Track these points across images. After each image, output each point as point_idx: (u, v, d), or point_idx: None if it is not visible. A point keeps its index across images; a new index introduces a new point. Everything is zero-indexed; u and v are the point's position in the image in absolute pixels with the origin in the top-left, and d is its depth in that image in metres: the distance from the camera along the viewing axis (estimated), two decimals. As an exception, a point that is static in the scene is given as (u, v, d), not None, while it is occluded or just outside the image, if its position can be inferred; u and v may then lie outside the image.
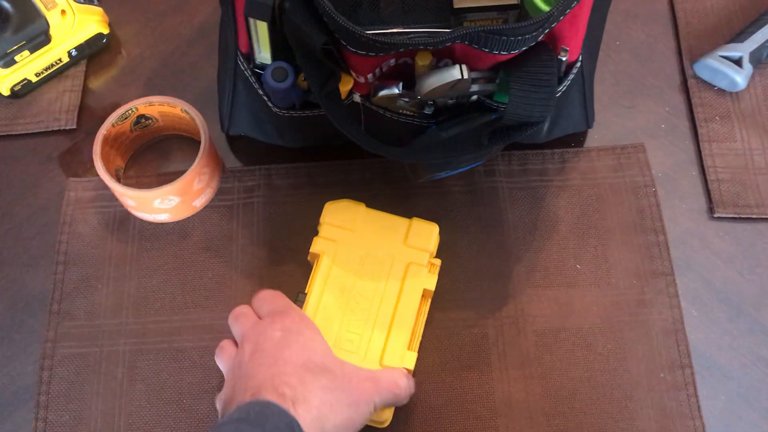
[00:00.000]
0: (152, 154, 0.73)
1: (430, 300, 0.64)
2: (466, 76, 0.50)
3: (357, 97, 0.59)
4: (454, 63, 0.53)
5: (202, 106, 0.69)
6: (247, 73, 0.59)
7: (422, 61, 0.53)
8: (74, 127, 0.74)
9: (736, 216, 0.68)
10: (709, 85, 0.73)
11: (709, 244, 0.68)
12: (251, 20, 0.52)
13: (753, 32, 0.72)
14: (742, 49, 0.72)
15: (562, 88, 0.60)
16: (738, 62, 0.71)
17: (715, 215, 0.68)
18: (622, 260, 0.67)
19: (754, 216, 0.68)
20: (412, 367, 0.59)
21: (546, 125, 0.65)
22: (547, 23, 0.48)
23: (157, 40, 0.78)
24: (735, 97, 0.73)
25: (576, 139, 0.72)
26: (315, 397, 0.50)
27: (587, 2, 0.51)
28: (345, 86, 0.56)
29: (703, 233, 0.68)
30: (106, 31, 0.76)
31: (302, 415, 0.48)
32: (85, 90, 0.76)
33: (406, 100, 0.55)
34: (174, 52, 0.77)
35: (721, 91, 0.73)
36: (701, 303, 0.65)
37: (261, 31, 0.52)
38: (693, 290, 0.66)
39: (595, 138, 0.72)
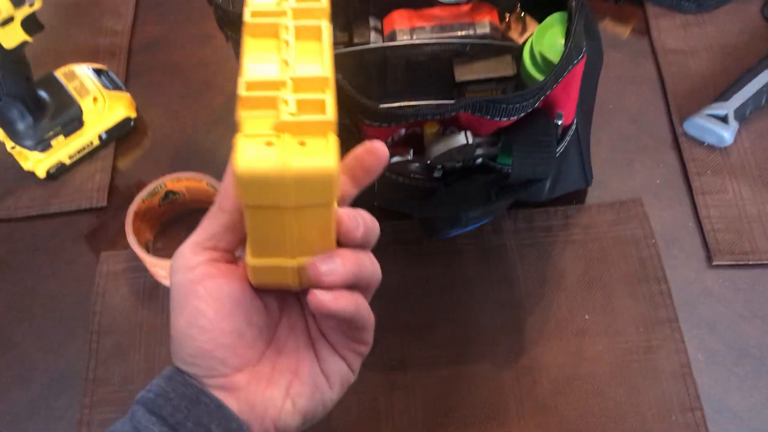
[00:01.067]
0: (179, 227, 0.77)
1: None
2: (470, 141, 0.55)
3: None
4: (459, 130, 0.58)
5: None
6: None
7: (430, 129, 0.58)
8: (105, 204, 0.78)
9: (733, 263, 0.72)
10: (699, 142, 0.78)
11: (710, 290, 0.71)
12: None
13: (736, 91, 0.77)
14: (727, 107, 0.77)
15: (560, 149, 0.64)
16: (724, 119, 0.76)
17: (714, 263, 0.72)
18: (628, 309, 0.70)
19: (750, 262, 0.72)
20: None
21: (548, 184, 0.69)
22: (541, 92, 0.53)
23: (180, 122, 0.84)
24: (724, 152, 0.77)
25: (577, 197, 0.76)
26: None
27: (578, 72, 0.57)
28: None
29: (703, 280, 0.72)
30: (133, 115, 0.81)
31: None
32: (114, 170, 0.81)
33: (417, 164, 0.60)
34: (196, 132, 0.83)
35: (711, 147, 0.78)
36: (707, 347, 0.68)
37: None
38: (698, 335, 0.69)
39: (595, 195, 0.77)
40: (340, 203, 0.44)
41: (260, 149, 0.36)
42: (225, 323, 0.41)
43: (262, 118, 0.37)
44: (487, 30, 0.73)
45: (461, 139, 0.55)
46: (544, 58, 0.69)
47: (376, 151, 0.43)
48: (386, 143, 0.60)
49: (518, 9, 0.74)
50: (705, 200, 0.75)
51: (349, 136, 0.58)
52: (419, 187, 0.65)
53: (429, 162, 0.57)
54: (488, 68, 0.73)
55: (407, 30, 0.73)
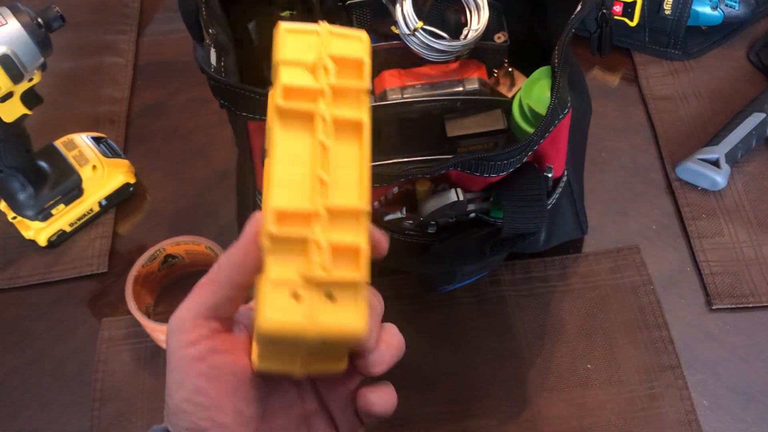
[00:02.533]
0: (180, 290, 0.78)
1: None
2: (461, 198, 0.56)
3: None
4: (450, 186, 0.58)
5: (227, 240, 0.74)
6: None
7: (422, 187, 0.59)
8: (105, 270, 0.79)
9: (733, 306, 0.72)
10: (693, 187, 0.79)
11: (712, 335, 0.71)
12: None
13: (726, 135, 0.78)
14: (718, 151, 0.78)
15: (551, 201, 0.65)
16: (716, 163, 0.77)
17: (714, 307, 0.72)
18: (630, 357, 0.70)
19: (750, 305, 0.72)
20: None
21: (543, 235, 0.70)
22: (528, 147, 0.54)
23: (178, 186, 0.85)
24: (718, 195, 0.78)
25: (574, 246, 0.77)
26: None
27: (564, 125, 0.58)
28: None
29: (704, 325, 0.72)
30: (132, 180, 0.83)
31: None
32: (114, 235, 0.82)
33: (411, 222, 0.60)
34: (195, 195, 0.84)
35: (705, 191, 0.78)
36: (711, 393, 0.68)
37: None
38: (701, 381, 0.69)
39: (591, 243, 0.77)
40: None
41: (286, 303, 0.33)
42: (225, 402, 0.40)
43: (290, 261, 0.34)
44: (476, 86, 0.74)
45: (452, 196, 0.56)
46: (532, 111, 0.70)
47: (377, 245, 0.42)
48: (380, 201, 0.61)
49: (506, 64, 0.76)
50: (702, 244, 0.75)
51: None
52: (414, 243, 0.65)
53: (422, 219, 0.58)
54: (479, 123, 0.74)
55: (398, 89, 0.74)
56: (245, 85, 0.54)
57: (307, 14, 0.73)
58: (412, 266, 0.59)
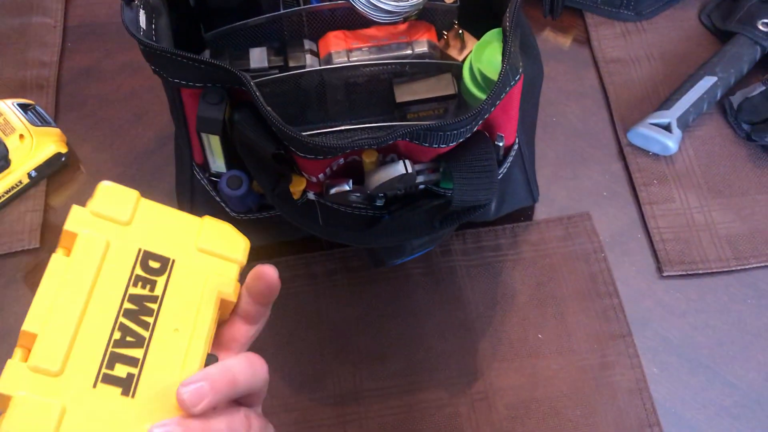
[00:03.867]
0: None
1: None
2: (410, 170, 0.53)
3: (311, 195, 0.61)
4: (399, 157, 0.56)
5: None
6: (204, 182, 0.61)
7: (369, 158, 0.56)
8: (37, 246, 0.75)
9: (683, 273, 0.71)
10: (644, 151, 0.78)
11: (662, 302, 0.71)
12: (203, 134, 0.55)
13: (678, 99, 0.77)
14: (670, 116, 0.76)
15: (502, 170, 0.63)
16: (667, 128, 0.76)
17: (664, 274, 0.72)
18: (581, 326, 0.69)
19: (700, 271, 0.71)
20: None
21: (493, 205, 0.68)
22: (479, 116, 0.52)
23: (114, 154, 0.81)
24: (669, 161, 0.77)
25: (525, 213, 0.75)
26: None
27: (516, 92, 0.55)
28: (298, 187, 0.59)
29: (654, 292, 0.71)
30: (64, 150, 0.78)
31: None
32: (46, 209, 0.77)
33: (358, 194, 0.58)
34: (132, 164, 0.80)
35: (656, 156, 0.77)
36: (661, 360, 0.68)
37: (214, 143, 0.55)
38: (652, 349, 0.68)
39: (543, 211, 0.76)
40: (253, 322, 0.48)
41: None
42: None
43: None
44: (425, 49, 0.71)
45: (400, 168, 0.53)
46: (483, 76, 0.68)
47: (263, 275, 0.44)
48: (325, 173, 0.59)
49: (456, 26, 0.73)
50: (653, 210, 0.75)
51: (285, 167, 0.56)
52: (362, 216, 0.63)
53: (369, 192, 0.55)
54: (429, 88, 0.72)
55: (343, 52, 0.71)
56: (177, 51, 0.51)
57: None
58: (359, 241, 0.57)
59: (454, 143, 0.53)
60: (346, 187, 0.56)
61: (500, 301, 0.71)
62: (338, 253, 0.73)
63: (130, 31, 0.50)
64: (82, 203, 0.78)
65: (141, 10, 0.54)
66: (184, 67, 0.52)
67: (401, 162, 0.54)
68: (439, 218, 0.56)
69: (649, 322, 0.70)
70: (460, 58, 0.73)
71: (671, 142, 0.75)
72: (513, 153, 0.63)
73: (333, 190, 0.56)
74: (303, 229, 0.56)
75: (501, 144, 0.58)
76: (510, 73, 0.53)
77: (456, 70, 0.72)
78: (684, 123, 0.77)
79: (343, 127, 0.69)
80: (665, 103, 0.78)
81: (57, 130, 0.78)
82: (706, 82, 0.78)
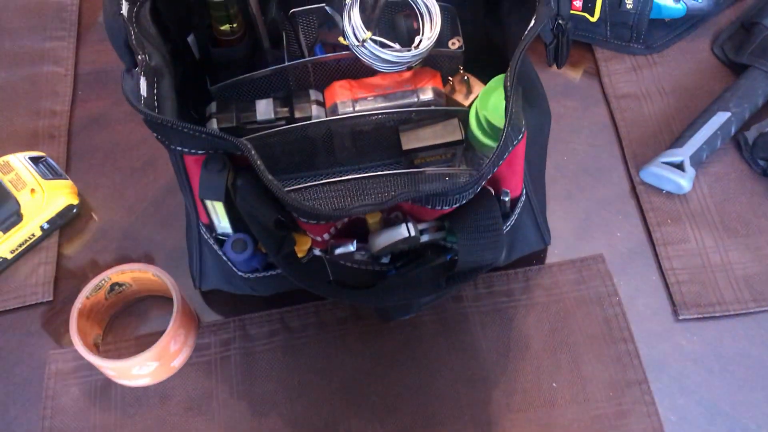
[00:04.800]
0: (129, 317, 0.74)
1: None
2: (413, 233, 0.53)
3: (317, 252, 0.61)
4: (403, 216, 0.56)
5: (175, 262, 0.72)
6: (210, 241, 0.61)
7: (372, 219, 0.56)
8: (51, 299, 0.75)
9: (700, 316, 0.70)
10: (657, 190, 0.76)
11: (678, 346, 0.69)
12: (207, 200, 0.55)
13: (690, 136, 0.76)
14: (683, 154, 0.75)
15: (510, 222, 0.62)
16: (680, 166, 0.75)
17: (680, 317, 0.70)
18: (596, 373, 0.68)
19: (717, 314, 0.70)
20: None
21: (504, 251, 0.67)
22: (481, 179, 0.51)
23: (126, 203, 0.81)
24: (683, 199, 0.76)
25: (537, 257, 0.74)
26: None
27: (520, 149, 0.55)
28: (303, 246, 0.58)
29: (671, 336, 0.70)
30: (75, 201, 0.78)
31: None
32: (59, 260, 0.78)
33: (363, 253, 0.57)
34: (144, 213, 0.80)
35: (670, 195, 0.76)
36: (678, 407, 0.66)
37: (218, 208, 0.55)
38: (669, 395, 0.67)
39: (555, 253, 0.75)
40: None
41: None
42: None
43: None
44: (430, 96, 0.71)
45: (403, 232, 0.53)
46: (489, 123, 0.67)
47: None
48: (329, 233, 0.58)
49: (461, 71, 0.73)
50: (667, 251, 0.73)
51: (288, 230, 0.56)
52: (368, 271, 0.62)
53: (373, 253, 0.55)
54: (435, 134, 0.71)
55: (349, 102, 0.71)
56: (179, 122, 0.51)
57: (249, 27, 0.68)
58: (365, 301, 0.56)
59: (457, 205, 0.53)
60: (351, 248, 0.55)
61: (513, 349, 0.70)
62: (348, 302, 0.72)
63: (131, 101, 0.50)
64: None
65: (142, 77, 0.54)
66: (186, 136, 0.52)
67: (404, 225, 0.53)
68: (445, 277, 0.56)
69: (665, 368, 0.68)
70: (467, 103, 0.73)
71: (684, 182, 0.74)
72: (521, 204, 0.62)
73: (338, 251, 0.56)
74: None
75: (507, 199, 0.58)
76: (512, 133, 0.52)
77: (462, 115, 0.71)
78: (697, 160, 0.75)
79: (350, 177, 0.69)
80: (678, 141, 0.77)
81: (68, 182, 0.79)
82: (720, 118, 0.76)
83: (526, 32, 0.54)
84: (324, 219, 0.51)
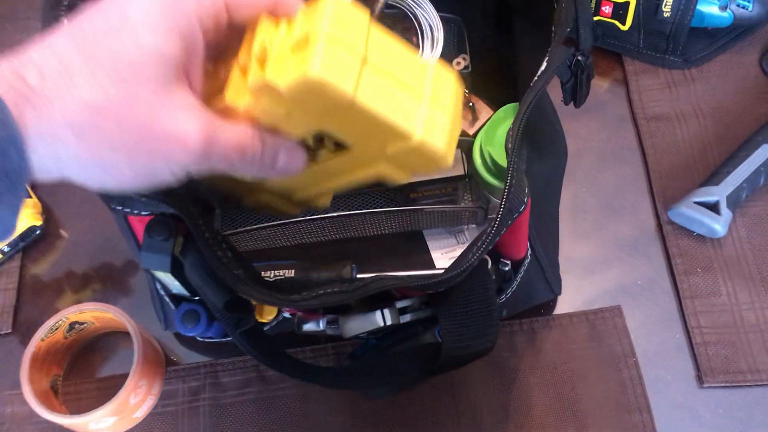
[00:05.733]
0: (93, 355, 0.68)
1: None
2: (390, 321, 0.45)
3: (287, 314, 0.53)
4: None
5: (144, 296, 0.65)
6: (166, 298, 0.54)
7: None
8: (9, 330, 0.69)
9: (728, 384, 0.62)
10: (687, 231, 0.67)
11: (701, 419, 0.61)
12: (153, 268, 0.47)
13: (729, 172, 0.66)
14: (719, 193, 0.66)
15: (511, 288, 0.54)
16: (715, 207, 0.65)
17: (705, 385, 0.62)
18: (605, 448, 0.60)
19: (748, 384, 0.62)
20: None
21: (504, 311, 0.59)
22: (467, 270, 0.42)
23: (93, 224, 0.74)
24: (716, 244, 0.67)
25: (546, 305, 0.66)
26: (72, 105, 0.33)
27: (523, 217, 0.46)
28: (269, 315, 0.51)
29: (693, 407, 0.62)
30: (39, 222, 0.71)
31: (34, 125, 0.32)
32: (20, 287, 0.71)
33: (335, 327, 0.50)
34: (112, 237, 0.73)
35: (701, 237, 0.67)
36: (697, 493, 0.59)
37: (166, 276, 0.47)
38: (687, 477, 0.59)
39: (566, 300, 0.66)
40: None
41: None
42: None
43: None
44: (429, 125, 0.62)
45: (377, 320, 0.45)
46: (495, 163, 0.58)
47: None
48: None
49: (467, 95, 0.63)
50: (694, 306, 0.65)
51: (244, 308, 0.48)
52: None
53: (345, 338, 0.47)
54: (435, 167, 0.63)
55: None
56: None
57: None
58: (338, 385, 0.49)
59: (443, 288, 0.44)
60: (320, 327, 0.47)
61: (513, 414, 0.62)
62: (330, 349, 0.65)
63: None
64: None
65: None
66: (124, 196, 0.44)
67: (378, 313, 0.45)
68: (427, 369, 0.47)
69: (684, 444, 0.60)
70: (472, 132, 0.64)
71: (719, 226, 0.65)
72: (525, 264, 0.54)
73: (306, 328, 0.48)
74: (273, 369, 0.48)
75: (507, 269, 0.49)
76: (513, 205, 0.43)
77: (466, 145, 0.62)
78: (735, 201, 0.66)
79: (332, 214, 0.61)
80: (714, 177, 0.67)
81: (32, 201, 0.72)
82: (765, 152, 0.66)
83: (536, 78, 0.45)
84: (284, 306, 0.43)
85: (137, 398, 0.62)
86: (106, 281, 0.71)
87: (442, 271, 0.60)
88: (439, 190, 0.64)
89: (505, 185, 0.42)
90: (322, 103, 0.35)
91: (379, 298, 0.42)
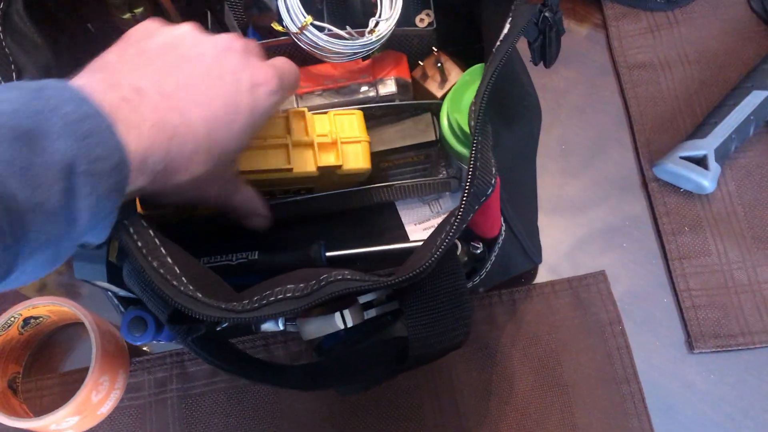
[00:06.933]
0: (54, 348, 0.64)
1: None
2: (350, 323, 0.41)
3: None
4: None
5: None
6: (115, 301, 0.50)
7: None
8: (-37, 327, 0.65)
9: (719, 349, 0.59)
10: (674, 188, 0.63)
11: (692, 386, 0.58)
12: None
13: (717, 122, 0.62)
14: (706, 147, 0.61)
15: (486, 267, 0.50)
16: (702, 162, 0.61)
17: (696, 351, 0.59)
18: (593, 422, 0.58)
19: (741, 347, 0.59)
20: None
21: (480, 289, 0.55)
22: (426, 271, 0.38)
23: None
24: (705, 200, 0.63)
25: (527, 273, 0.62)
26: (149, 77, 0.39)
27: (493, 198, 0.42)
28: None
29: (683, 374, 0.59)
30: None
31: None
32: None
33: (294, 324, 0.46)
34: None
35: (688, 194, 0.63)
36: (689, 463, 0.56)
37: (104, 283, 0.43)
38: (678, 448, 0.57)
39: (547, 268, 0.63)
40: None
41: None
42: None
43: None
44: (392, 89, 0.57)
45: (337, 323, 0.41)
46: (463, 130, 0.54)
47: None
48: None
49: (435, 53, 0.58)
50: (683, 267, 0.61)
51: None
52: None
53: (305, 340, 0.44)
54: (403, 133, 0.58)
55: (291, 97, 0.57)
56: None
57: (158, 11, 0.54)
58: (302, 386, 0.45)
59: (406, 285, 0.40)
60: (279, 327, 0.44)
61: (496, 390, 0.59)
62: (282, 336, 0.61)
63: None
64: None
65: None
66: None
67: (337, 315, 0.41)
68: (399, 362, 0.44)
69: (675, 414, 0.58)
70: (440, 94, 0.59)
71: (707, 182, 0.61)
72: (499, 243, 0.50)
73: (264, 327, 0.44)
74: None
75: (479, 251, 0.45)
76: (478, 194, 0.39)
77: (436, 108, 0.58)
78: (724, 154, 0.62)
79: (297, 197, 0.57)
80: (701, 128, 0.63)
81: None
82: (755, 99, 0.62)
83: (498, 42, 0.40)
84: (233, 320, 0.39)
85: (100, 395, 0.59)
86: (63, 271, 0.67)
87: (419, 244, 0.58)
88: (411, 158, 0.60)
89: (469, 169, 0.38)
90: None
91: (339, 298, 0.38)
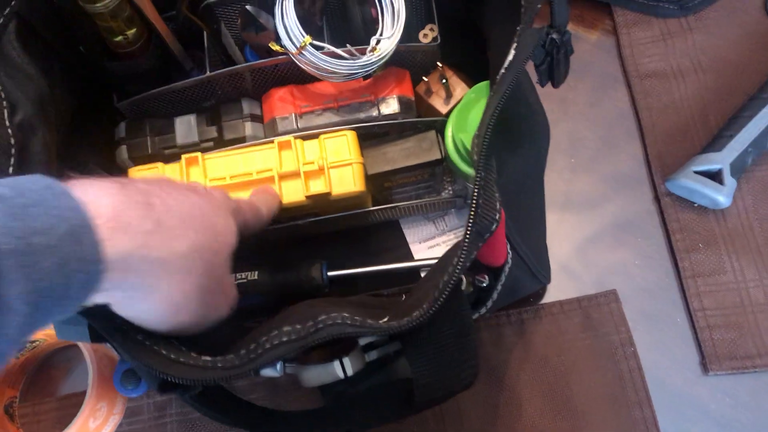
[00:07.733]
0: (51, 371, 0.63)
1: None
2: (349, 372, 0.39)
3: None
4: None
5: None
6: (108, 345, 0.49)
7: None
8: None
9: (735, 371, 0.57)
10: (687, 203, 0.61)
11: (706, 410, 0.57)
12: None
13: (732, 135, 0.60)
14: (721, 160, 0.59)
15: (492, 297, 0.48)
16: (717, 176, 0.59)
17: (710, 373, 0.57)
18: (603, 448, 0.56)
19: (757, 369, 0.57)
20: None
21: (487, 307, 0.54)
22: (426, 317, 0.37)
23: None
24: (720, 216, 0.61)
25: (535, 293, 0.61)
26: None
27: (498, 231, 0.40)
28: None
29: (697, 397, 0.57)
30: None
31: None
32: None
33: (294, 365, 0.44)
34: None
35: (702, 209, 0.61)
36: (703, 491, 0.55)
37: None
38: (692, 475, 0.55)
39: (557, 287, 0.61)
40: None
41: None
42: None
43: None
44: (395, 108, 0.55)
45: (337, 372, 0.40)
46: (468, 151, 0.52)
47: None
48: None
49: (440, 68, 0.56)
50: (696, 285, 0.59)
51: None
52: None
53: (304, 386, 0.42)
54: (407, 152, 0.56)
55: (291, 117, 0.55)
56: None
57: (154, 33, 0.52)
58: (303, 427, 0.44)
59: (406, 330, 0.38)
60: (276, 373, 0.42)
61: (503, 414, 0.58)
62: (306, 355, 0.60)
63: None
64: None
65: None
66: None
67: (337, 364, 0.40)
68: (407, 405, 0.42)
69: (689, 439, 0.56)
70: (445, 110, 0.57)
71: (722, 197, 0.59)
72: (506, 271, 0.48)
73: (263, 372, 0.42)
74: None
75: (484, 284, 0.44)
76: (481, 231, 0.37)
77: (441, 125, 0.56)
78: (740, 168, 0.60)
79: (300, 222, 0.55)
80: (715, 141, 0.60)
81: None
82: (772, 110, 0.60)
83: (503, 70, 0.38)
84: (225, 379, 0.37)
85: (98, 421, 0.57)
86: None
87: (423, 263, 0.57)
88: (415, 176, 0.58)
89: (471, 207, 0.36)
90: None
91: (338, 341, 0.36)
